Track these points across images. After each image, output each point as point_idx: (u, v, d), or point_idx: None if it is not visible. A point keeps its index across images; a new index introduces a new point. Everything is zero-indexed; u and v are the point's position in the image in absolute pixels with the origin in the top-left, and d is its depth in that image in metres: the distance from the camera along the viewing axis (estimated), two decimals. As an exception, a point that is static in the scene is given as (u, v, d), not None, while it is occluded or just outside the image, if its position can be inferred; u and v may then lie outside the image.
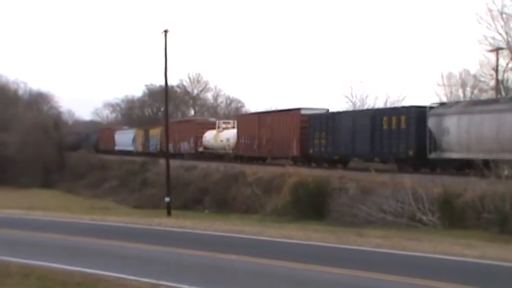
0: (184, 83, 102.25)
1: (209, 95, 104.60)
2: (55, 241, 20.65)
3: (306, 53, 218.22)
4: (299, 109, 46.82)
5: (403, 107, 40.95)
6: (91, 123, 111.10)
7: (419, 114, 35.80)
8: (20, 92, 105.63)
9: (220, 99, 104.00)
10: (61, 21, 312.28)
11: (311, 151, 44.00)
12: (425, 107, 35.87)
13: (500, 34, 50.90)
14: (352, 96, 74.73)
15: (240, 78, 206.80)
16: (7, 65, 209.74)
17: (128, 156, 71.03)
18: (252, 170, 43.07)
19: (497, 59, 49.15)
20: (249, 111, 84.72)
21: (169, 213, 38.73)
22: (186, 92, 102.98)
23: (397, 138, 36.83)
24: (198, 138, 60.70)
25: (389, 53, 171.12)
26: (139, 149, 74.94)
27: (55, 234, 22.40)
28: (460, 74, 62.94)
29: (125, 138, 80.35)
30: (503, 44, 50.69)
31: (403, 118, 36.83)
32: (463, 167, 32.53)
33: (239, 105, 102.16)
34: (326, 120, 43.38)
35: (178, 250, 18.15)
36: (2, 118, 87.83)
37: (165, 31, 41.61)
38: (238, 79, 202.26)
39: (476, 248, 18.32)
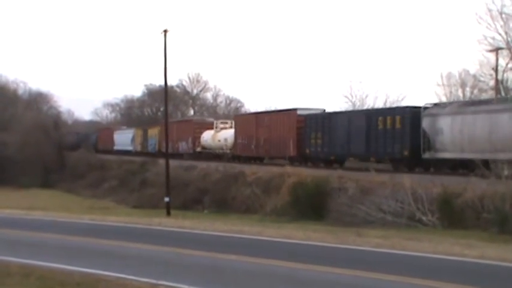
0: (184, 83, 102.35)
1: (209, 95, 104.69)
2: (55, 241, 20.64)
3: (306, 53, 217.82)
4: (295, 109, 46.88)
5: (398, 107, 41.17)
6: (90, 123, 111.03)
7: (414, 114, 36.00)
8: (20, 91, 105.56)
9: (219, 99, 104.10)
10: (61, 21, 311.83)
11: (307, 151, 44.12)
12: (420, 107, 36.06)
13: (500, 34, 51.04)
14: (352, 96, 74.83)
15: (240, 78, 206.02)
16: (6, 65, 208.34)
17: (127, 156, 71.01)
18: (251, 170, 43.12)
19: (497, 59, 49.19)
20: (248, 111, 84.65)
21: (168, 213, 38.75)
22: (185, 92, 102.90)
23: (392, 138, 37.02)
24: (196, 138, 60.76)
25: (389, 53, 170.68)
26: (138, 148, 75.03)
27: (55, 234, 22.40)
28: (460, 74, 63.08)
29: (123, 138, 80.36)
30: (502, 44, 50.77)
31: (398, 118, 37.02)
32: (456, 166, 32.85)
33: (238, 105, 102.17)
34: (322, 120, 43.53)
35: (178, 250, 18.13)
36: (2, 118, 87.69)
37: (165, 31, 41.73)
38: (237, 79, 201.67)
39: (476, 248, 18.34)
